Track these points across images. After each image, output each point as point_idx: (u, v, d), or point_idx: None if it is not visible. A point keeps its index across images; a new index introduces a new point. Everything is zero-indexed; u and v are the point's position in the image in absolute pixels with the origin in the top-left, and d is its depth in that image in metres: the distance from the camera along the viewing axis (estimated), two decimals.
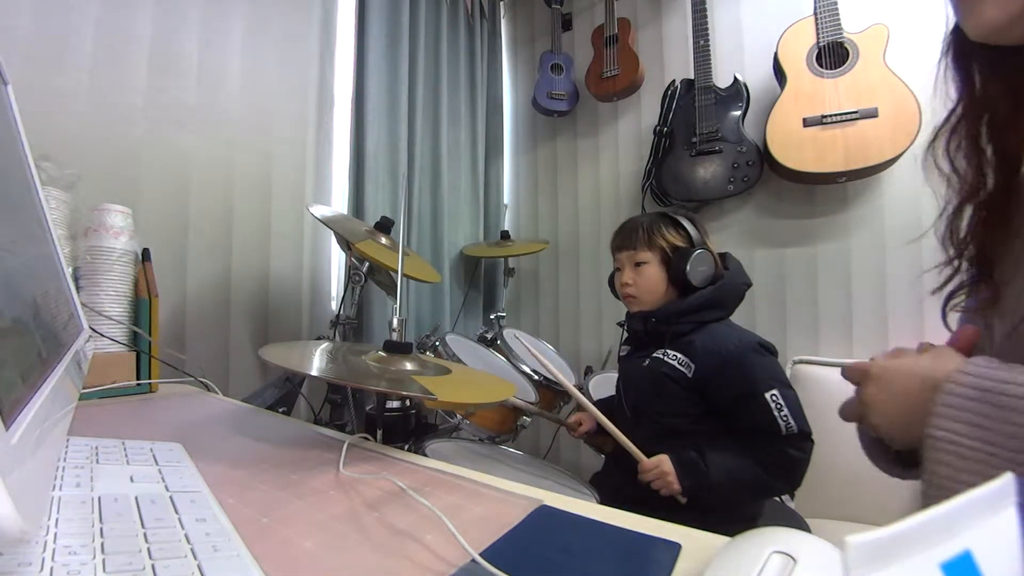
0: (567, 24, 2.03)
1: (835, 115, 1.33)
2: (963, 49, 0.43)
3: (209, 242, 1.17)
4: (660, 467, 0.85)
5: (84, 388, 0.69)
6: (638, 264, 0.97)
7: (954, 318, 0.48)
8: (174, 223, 1.11)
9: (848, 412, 0.44)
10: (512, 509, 0.40)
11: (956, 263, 0.46)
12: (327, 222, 1.08)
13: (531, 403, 1.14)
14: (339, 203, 1.49)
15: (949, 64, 0.44)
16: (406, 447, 0.93)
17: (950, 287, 0.46)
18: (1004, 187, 0.41)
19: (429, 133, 1.75)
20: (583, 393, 0.96)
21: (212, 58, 1.18)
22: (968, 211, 0.44)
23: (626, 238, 0.99)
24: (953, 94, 0.44)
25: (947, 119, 0.45)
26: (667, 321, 0.93)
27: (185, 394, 0.83)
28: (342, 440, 0.54)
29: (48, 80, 0.92)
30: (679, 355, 0.90)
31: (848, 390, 0.44)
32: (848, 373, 0.44)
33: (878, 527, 0.14)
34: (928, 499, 0.35)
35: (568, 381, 0.90)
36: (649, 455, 0.87)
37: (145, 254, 0.88)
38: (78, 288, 0.77)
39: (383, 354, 0.65)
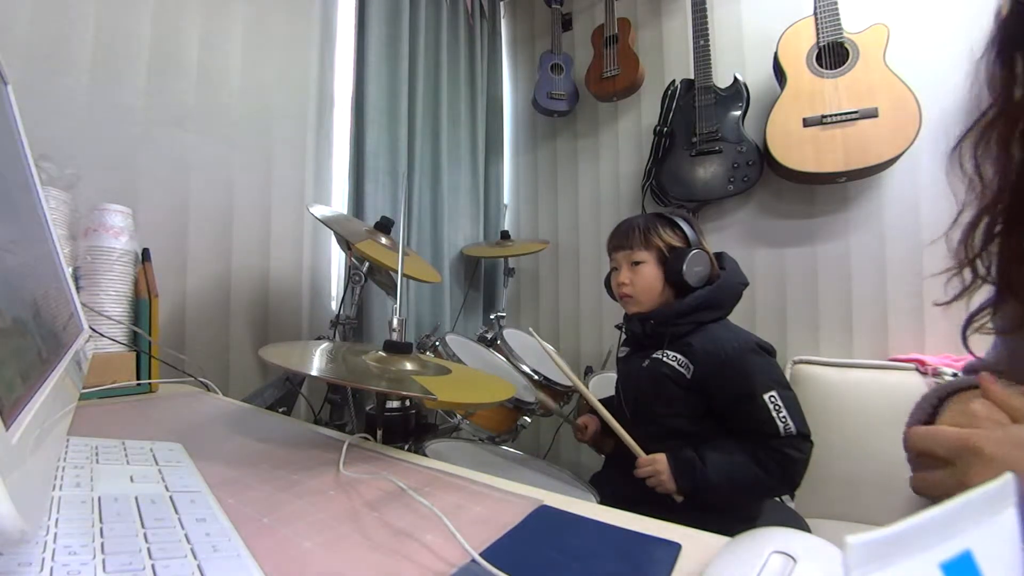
0: (567, 24, 2.03)
1: (835, 115, 1.33)
2: (1013, 41, 0.38)
3: (209, 242, 1.17)
4: (654, 465, 0.85)
5: (84, 388, 0.69)
6: (635, 264, 0.97)
7: (974, 340, 0.44)
8: (174, 223, 1.11)
9: (933, 487, 0.34)
10: (512, 509, 0.39)
11: (969, 274, 0.42)
12: (327, 222, 1.08)
13: (533, 402, 1.14)
14: (339, 203, 1.49)
15: (993, 59, 0.39)
16: (406, 447, 0.93)
17: (972, 308, 0.42)
18: None
19: (429, 133, 1.75)
20: None
21: (212, 58, 1.18)
22: (985, 221, 0.40)
23: (623, 238, 0.99)
24: (988, 94, 0.40)
25: (980, 118, 0.41)
26: (665, 323, 0.93)
27: (185, 394, 0.83)
28: (342, 440, 0.54)
29: (48, 80, 0.92)
30: (678, 356, 0.90)
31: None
32: (938, 442, 0.34)
33: (878, 527, 0.14)
34: None
35: (572, 378, 0.90)
36: (649, 455, 0.87)
37: (145, 254, 0.88)
38: (78, 288, 0.77)
39: (383, 354, 0.65)
